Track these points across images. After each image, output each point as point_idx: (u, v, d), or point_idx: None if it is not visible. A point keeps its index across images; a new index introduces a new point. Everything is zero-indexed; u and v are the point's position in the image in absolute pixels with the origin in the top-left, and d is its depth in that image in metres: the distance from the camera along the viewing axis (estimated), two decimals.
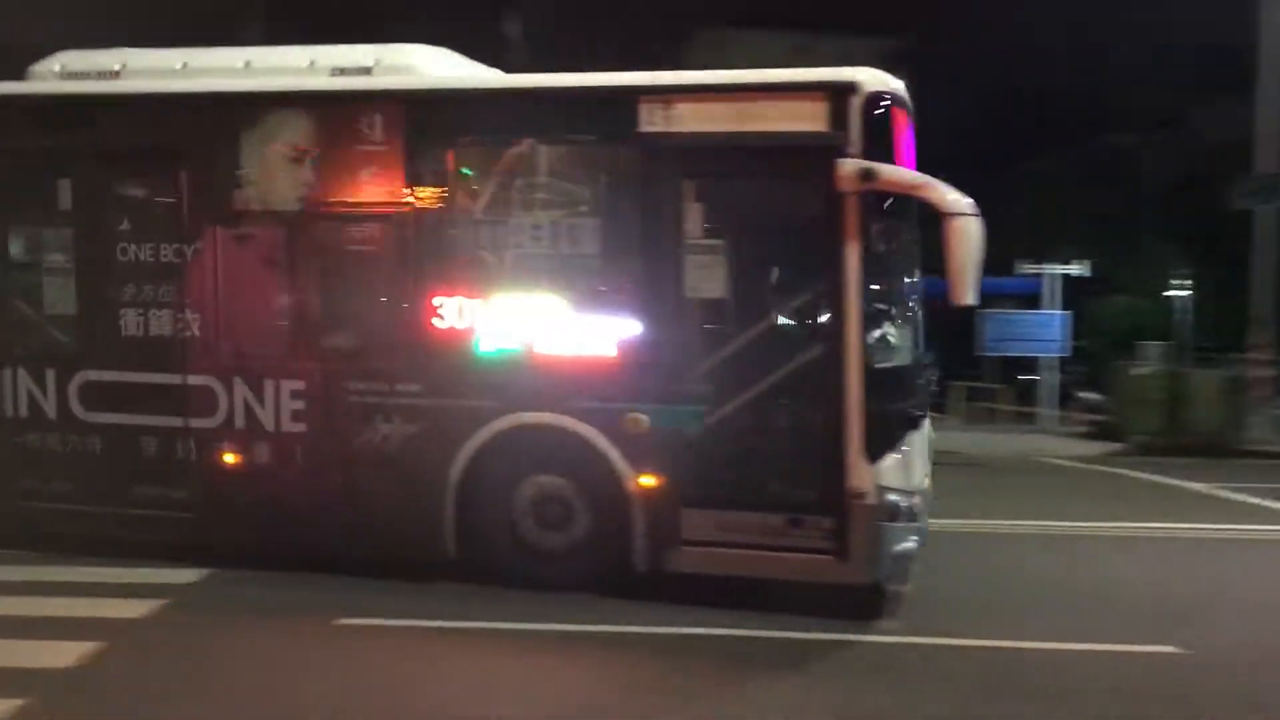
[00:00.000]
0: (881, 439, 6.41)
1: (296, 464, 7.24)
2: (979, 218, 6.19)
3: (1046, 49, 28.33)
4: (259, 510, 7.30)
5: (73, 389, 7.53)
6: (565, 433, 6.84)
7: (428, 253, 7.08)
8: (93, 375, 7.51)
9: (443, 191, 7.05)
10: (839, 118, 6.38)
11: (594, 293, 6.82)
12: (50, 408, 7.58)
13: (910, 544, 6.59)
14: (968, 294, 6.15)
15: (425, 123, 7.03)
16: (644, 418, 6.69)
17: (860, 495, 6.39)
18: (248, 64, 7.61)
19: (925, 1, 27.11)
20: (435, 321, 6.99)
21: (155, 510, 7.45)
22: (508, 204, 6.93)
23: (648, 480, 6.71)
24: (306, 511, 7.22)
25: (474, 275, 6.98)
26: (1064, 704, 5.33)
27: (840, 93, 6.39)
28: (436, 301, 6.98)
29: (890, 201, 6.47)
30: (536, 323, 6.86)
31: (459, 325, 6.96)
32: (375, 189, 7.06)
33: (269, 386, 7.24)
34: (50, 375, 7.57)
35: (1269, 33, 16.11)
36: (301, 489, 7.22)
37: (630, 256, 6.78)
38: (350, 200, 7.13)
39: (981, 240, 6.19)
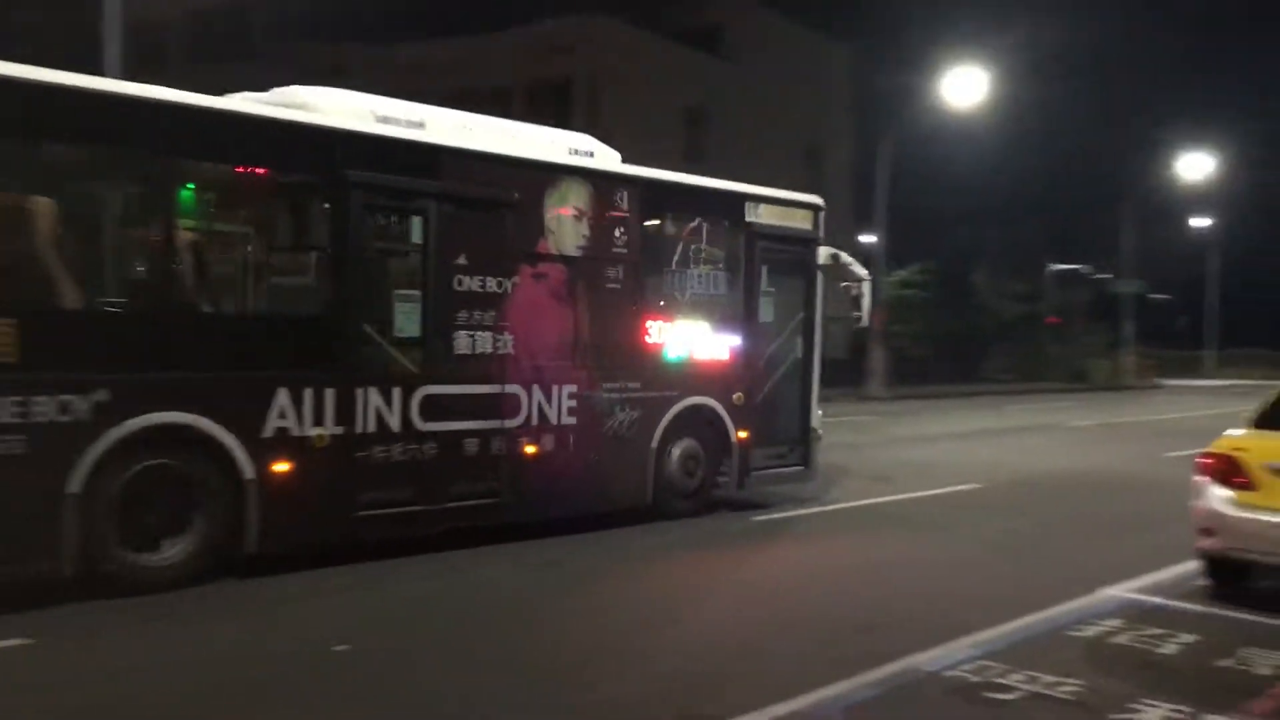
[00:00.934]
0: (818, 398, 12.00)
1: (569, 448, 9.51)
2: None
3: None
4: (541, 486, 9.36)
5: (415, 402, 8.37)
6: (708, 409, 10.77)
7: (646, 290, 10.20)
8: (432, 389, 8.48)
9: (654, 248, 10.29)
10: (817, 223, 11.76)
11: (722, 319, 10.86)
12: (395, 421, 8.27)
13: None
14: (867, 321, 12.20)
15: (650, 201, 10.17)
16: (742, 396, 11.04)
17: (815, 430, 11.89)
18: (514, 136, 9.50)
19: None
20: (647, 338, 10.17)
21: (471, 501, 8.83)
22: (686, 259, 10.51)
23: (742, 434, 11.08)
24: (572, 484, 9.58)
25: (667, 306, 10.40)
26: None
27: (819, 209, 11.78)
28: (649, 324, 10.18)
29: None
30: (696, 338, 10.60)
31: (659, 340, 10.27)
32: (619, 244, 9.88)
33: (555, 390, 9.37)
34: (396, 392, 8.27)
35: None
36: (571, 467, 9.55)
37: (738, 297, 11.06)
38: (606, 251, 9.80)
39: None
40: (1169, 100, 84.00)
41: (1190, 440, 13.96)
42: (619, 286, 9.94)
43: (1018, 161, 72.59)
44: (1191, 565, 8.41)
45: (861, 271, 12.23)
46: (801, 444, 11.77)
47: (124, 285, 7.74)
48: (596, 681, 5.83)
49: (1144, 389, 47.08)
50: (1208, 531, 7.75)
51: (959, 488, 13.31)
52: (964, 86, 34.33)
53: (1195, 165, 50.03)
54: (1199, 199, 56.88)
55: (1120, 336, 52.20)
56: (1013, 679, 5.89)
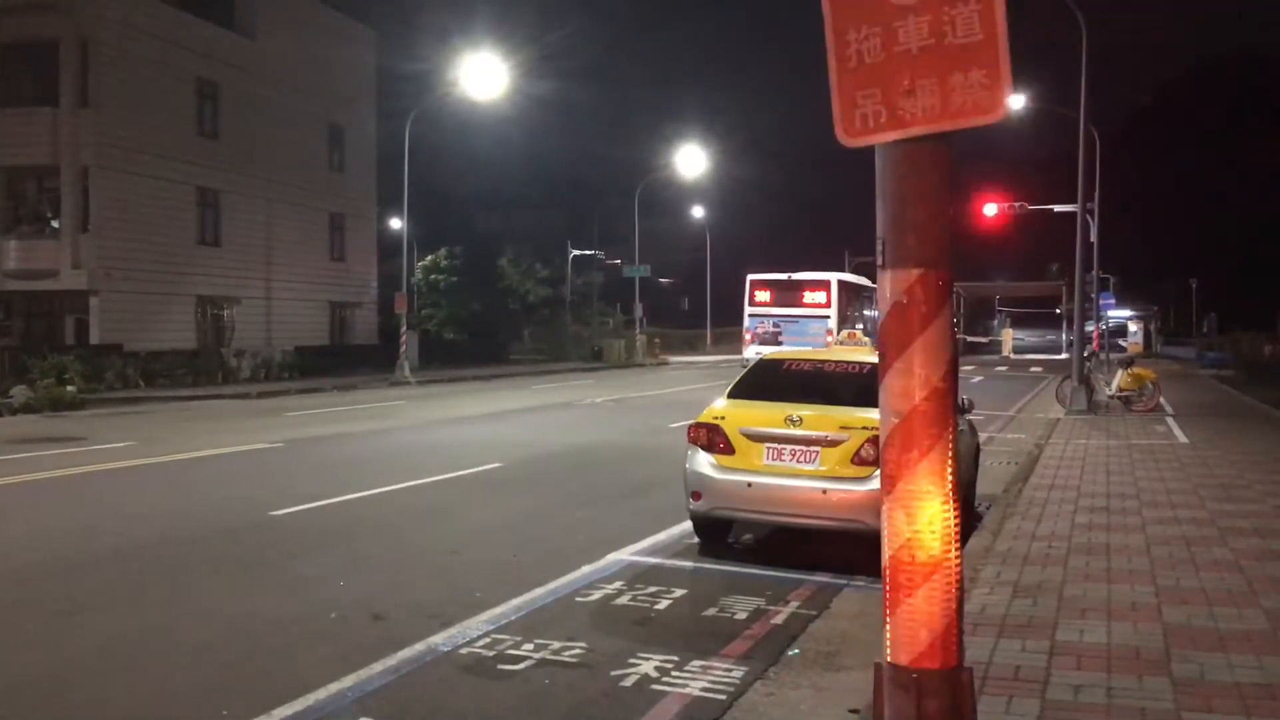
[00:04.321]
0: None
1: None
2: None
3: None
4: None
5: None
6: None
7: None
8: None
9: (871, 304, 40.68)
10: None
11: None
12: None
13: None
14: None
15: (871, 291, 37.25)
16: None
17: None
18: (862, 278, 43.23)
19: None
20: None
21: None
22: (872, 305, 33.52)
23: None
24: None
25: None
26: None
27: None
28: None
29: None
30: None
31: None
32: (868, 303, 40.85)
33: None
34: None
35: None
36: None
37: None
38: (866, 306, 40.75)
39: None
40: (673, 103, 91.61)
41: (690, 412, 15.43)
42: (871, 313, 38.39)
43: (540, 151, 75.72)
44: (686, 525, 9.20)
45: None
46: None
47: None
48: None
49: (654, 366, 50.97)
50: (696, 494, 8.51)
51: (481, 468, 13.63)
52: (486, 78, 35.29)
53: (693, 162, 54.89)
54: (697, 192, 62.66)
55: (631, 317, 56.19)
56: (524, 649, 6.13)
